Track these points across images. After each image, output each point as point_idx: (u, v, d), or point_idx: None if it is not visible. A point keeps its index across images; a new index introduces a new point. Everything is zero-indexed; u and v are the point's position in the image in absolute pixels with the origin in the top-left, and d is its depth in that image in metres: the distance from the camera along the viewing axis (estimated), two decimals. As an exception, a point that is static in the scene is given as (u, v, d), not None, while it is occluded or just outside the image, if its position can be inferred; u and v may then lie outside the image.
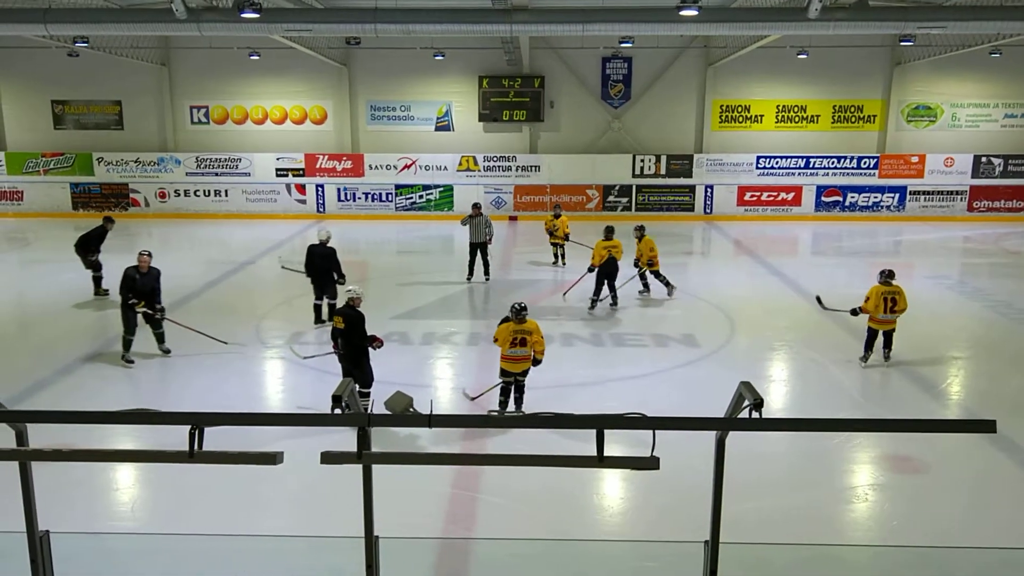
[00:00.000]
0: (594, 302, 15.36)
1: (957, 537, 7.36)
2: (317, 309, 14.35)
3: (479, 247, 17.47)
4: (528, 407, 10.16)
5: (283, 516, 7.59)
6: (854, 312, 12.21)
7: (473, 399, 10.79)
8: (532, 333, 9.93)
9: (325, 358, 11.30)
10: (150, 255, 12.51)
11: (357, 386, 9.90)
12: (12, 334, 14.88)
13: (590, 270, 15.50)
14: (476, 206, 17.80)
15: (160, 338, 12.57)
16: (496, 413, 10.04)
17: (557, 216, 19.54)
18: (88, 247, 16.52)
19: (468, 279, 17.62)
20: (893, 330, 12.15)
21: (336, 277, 14.11)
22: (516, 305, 10.04)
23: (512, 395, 10.19)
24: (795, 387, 11.87)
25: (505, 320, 10.03)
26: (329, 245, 14.26)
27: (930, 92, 27.99)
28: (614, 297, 15.56)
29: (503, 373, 10.14)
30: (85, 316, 15.46)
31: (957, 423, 4.39)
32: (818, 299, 13.42)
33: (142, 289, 12.20)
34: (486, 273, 17.66)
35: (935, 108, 28.15)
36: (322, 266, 14.11)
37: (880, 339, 12.19)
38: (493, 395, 10.47)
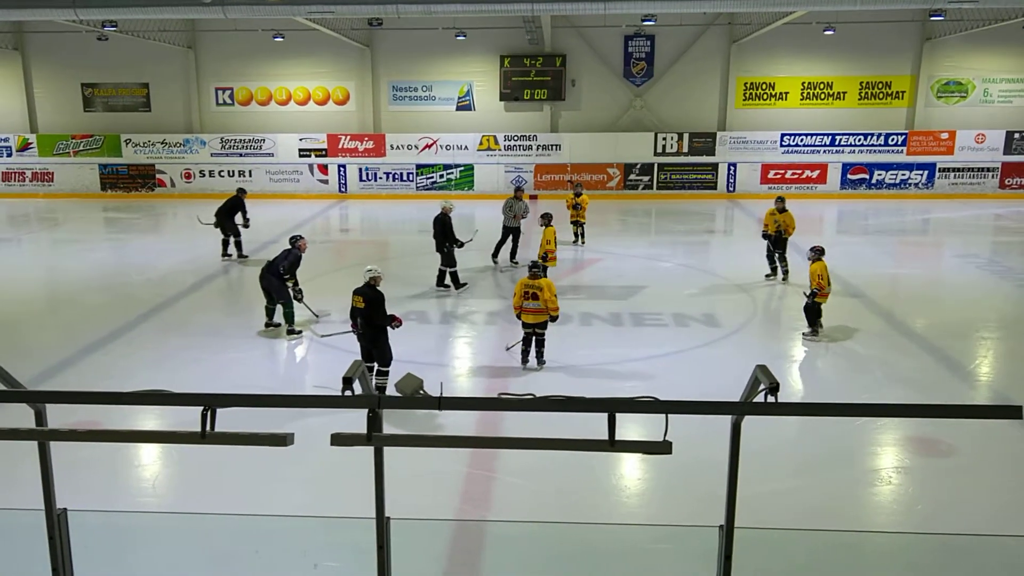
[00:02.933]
0: (775, 269, 15.91)
1: (984, 522, 7.23)
2: (440, 275, 15.38)
3: (513, 231, 17.16)
4: (544, 387, 10.17)
5: (299, 495, 7.63)
6: (812, 296, 12.29)
7: (509, 348, 11.65)
8: (543, 290, 10.75)
9: (346, 337, 11.35)
10: None
11: (376, 365, 9.93)
12: (41, 313, 15.07)
13: (764, 236, 15.94)
14: (519, 189, 17.46)
15: (290, 317, 12.79)
16: (523, 363, 11.07)
17: (578, 194, 19.43)
18: (233, 214, 18.24)
19: (494, 259, 17.31)
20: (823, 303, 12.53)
21: (448, 245, 15.15)
22: (531, 262, 11.22)
23: (535, 349, 11.05)
24: (817, 367, 11.76)
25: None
26: (448, 215, 15.38)
27: (961, 67, 27.55)
28: (783, 269, 15.87)
29: (523, 325, 11.01)
30: (113, 295, 15.60)
31: (981, 408, 4.31)
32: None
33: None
34: (513, 257, 17.29)
35: (966, 84, 27.72)
36: (434, 233, 15.36)
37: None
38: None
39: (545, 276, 11.24)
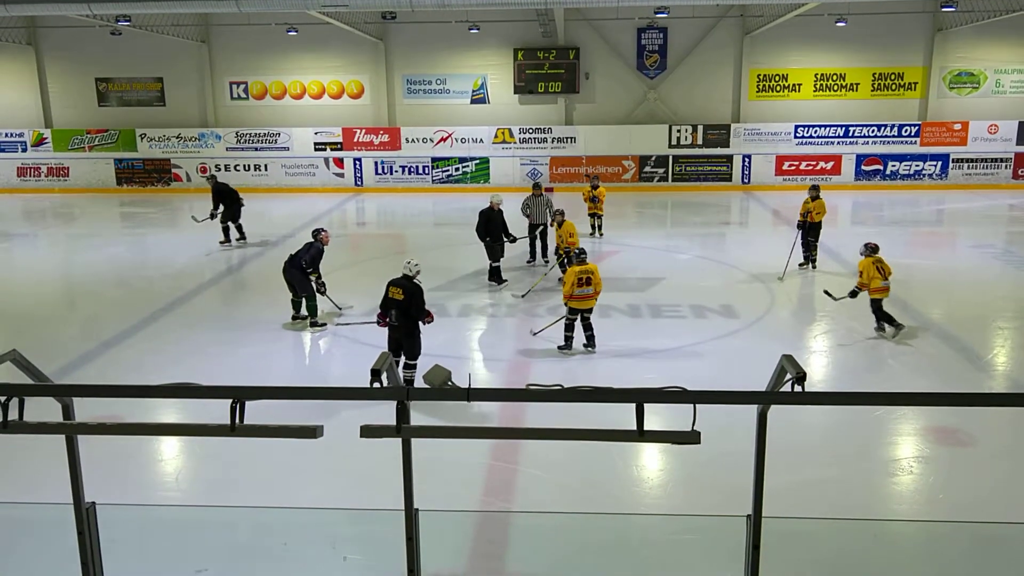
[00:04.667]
0: (807, 258, 16.06)
1: (1004, 511, 7.24)
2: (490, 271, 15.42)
3: (537, 228, 16.67)
4: (565, 379, 10.18)
5: (325, 488, 7.68)
6: (854, 294, 12.02)
7: (536, 334, 11.96)
8: (594, 273, 11.11)
9: (371, 329, 11.41)
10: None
11: (403, 358, 9.94)
12: (60, 308, 15.17)
13: (799, 226, 16.04)
14: (537, 186, 17.01)
15: (313, 310, 12.86)
16: (563, 348, 11.36)
17: (596, 187, 19.35)
18: (234, 200, 18.88)
19: (530, 262, 16.80)
20: (883, 299, 12.02)
21: (488, 239, 15.11)
22: (577, 249, 11.63)
23: (582, 333, 11.34)
24: (836, 358, 11.74)
25: (569, 263, 11.45)
26: (495, 210, 15.25)
27: (973, 58, 27.39)
28: (811, 257, 16.05)
29: (571, 312, 11.26)
30: (131, 290, 15.70)
31: (1005, 396, 4.29)
32: (827, 292, 12.83)
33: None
34: (544, 254, 16.81)
35: (978, 74, 27.56)
36: (488, 229, 15.19)
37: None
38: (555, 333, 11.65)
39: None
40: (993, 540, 5.40)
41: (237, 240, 19.05)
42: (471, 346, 12.39)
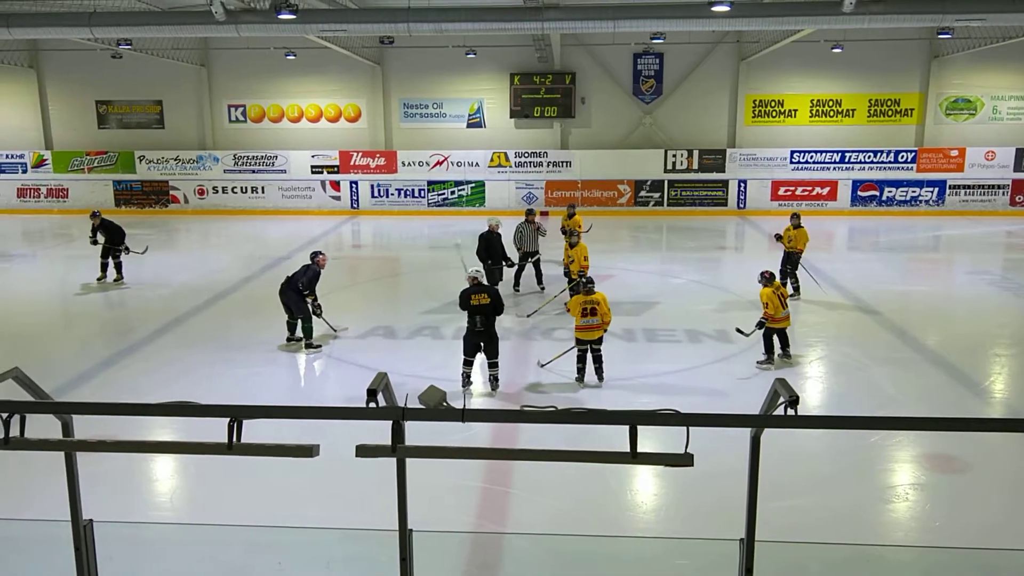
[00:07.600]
0: (795, 288, 15.87)
1: (1002, 538, 7.22)
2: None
3: (530, 256, 16.28)
4: (560, 403, 10.19)
5: (320, 507, 7.68)
6: (761, 325, 11.80)
7: (543, 365, 11.62)
8: (600, 304, 10.90)
9: (362, 351, 11.42)
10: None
11: (486, 358, 10.66)
12: (57, 327, 15.18)
13: (777, 238, 16.13)
14: (530, 212, 16.50)
15: (309, 332, 12.86)
16: (577, 380, 11.12)
17: (571, 216, 18.73)
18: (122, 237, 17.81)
19: (516, 289, 16.26)
20: (787, 327, 11.97)
21: (489, 262, 15.00)
22: (584, 278, 11.23)
23: (591, 364, 11.07)
24: (830, 384, 11.76)
25: (575, 292, 11.07)
26: (494, 233, 15.35)
27: (969, 85, 27.60)
28: (793, 285, 15.82)
29: (578, 342, 11.05)
30: (128, 310, 15.73)
31: (1003, 422, 4.32)
32: (739, 330, 12.34)
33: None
34: (539, 283, 16.48)
35: (975, 101, 27.76)
36: (488, 252, 15.22)
37: (775, 339, 11.94)
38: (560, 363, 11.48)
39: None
40: (989, 568, 5.40)
41: (117, 279, 17.74)
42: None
